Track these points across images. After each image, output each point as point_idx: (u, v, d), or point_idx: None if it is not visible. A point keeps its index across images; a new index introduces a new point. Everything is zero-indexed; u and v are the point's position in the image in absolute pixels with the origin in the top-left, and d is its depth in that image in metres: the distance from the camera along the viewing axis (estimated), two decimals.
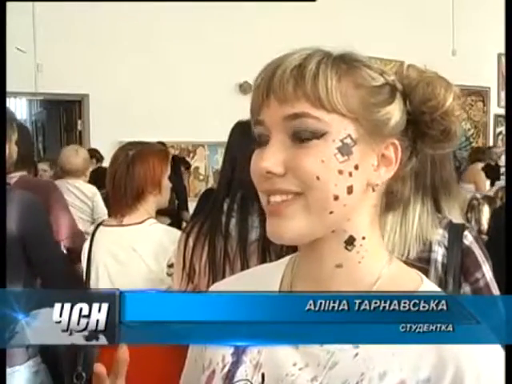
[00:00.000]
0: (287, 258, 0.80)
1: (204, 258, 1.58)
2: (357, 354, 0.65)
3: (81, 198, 3.45)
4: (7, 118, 1.99)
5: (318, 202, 0.64)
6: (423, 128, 0.68)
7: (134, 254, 1.93)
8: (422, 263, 1.23)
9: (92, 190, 3.56)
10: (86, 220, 3.42)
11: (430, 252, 1.25)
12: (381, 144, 0.66)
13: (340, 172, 0.64)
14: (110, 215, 2.06)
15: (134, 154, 1.98)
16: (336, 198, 0.64)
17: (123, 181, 1.96)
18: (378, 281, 0.68)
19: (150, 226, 1.97)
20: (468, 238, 1.26)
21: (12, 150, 1.99)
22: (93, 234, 2.04)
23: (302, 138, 0.64)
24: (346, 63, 0.65)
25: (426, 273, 1.23)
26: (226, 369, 0.73)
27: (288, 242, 0.68)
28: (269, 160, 0.64)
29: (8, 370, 1.78)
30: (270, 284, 0.76)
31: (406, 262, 1.15)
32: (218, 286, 0.85)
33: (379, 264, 0.70)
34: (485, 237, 2.89)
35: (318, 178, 0.63)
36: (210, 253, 1.57)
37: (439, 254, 1.25)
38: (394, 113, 0.66)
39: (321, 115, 0.63)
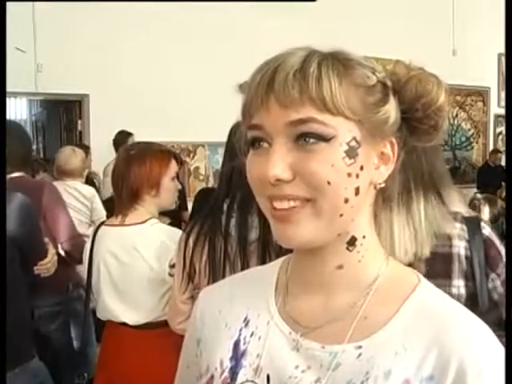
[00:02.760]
0: (280, 260, 0.79)
1: (204, 257, 1.58)
2: (360, 355, 0.65)
3: (80, 199, 3.39)
4: None
5: (330, 206, 0.63)
6: (415, 123, 0.69)
7: (135, 253, 1.92)
8: (440, 258, 1.24)
9: (91, 191, 3.50)
10: (85, 222, 3.35)
11: (450, 247, 1.25)
12: (380, 143, 0.67)
13: (349, 175, 0.63)
14: (114, 215, 2.05)
15: (133, 154, 1.97)
16: (346, 200, 0.64)
17: (120, 180, 1.95)
18: (376, 280, 0.69)
19: (151, 225, 1.96)
20: (487, 229, 1.28)
21: None
22: (94, 234, 2.03)
23: (307, 141, 0.62)
24: (341, 63, 0.64)
25: (448, 266, 1.25)
26: (225, 374, 0.72)
27: (298, 247, 0.68)
28: (277, 167, 0.62)
29: (7, 374, 1.78)
30: (266, 287, 0.76)
31: (420, 259, 1.19)
32: (210, 290, 0.84)
33: (378, 262, 0.70)
34: None
35: (329, 182, 0.62)
36: (210, 252, 1.57)
37: (461, 247, 1.25)
38: (391, 112, 0.67)
39: (326, 119, 0.62)
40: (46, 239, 2.04)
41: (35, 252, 1.97)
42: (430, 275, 1.25)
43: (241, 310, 0.76)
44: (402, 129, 0.69)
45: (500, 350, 0.64)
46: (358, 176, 0.64)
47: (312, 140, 0.62)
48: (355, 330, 0.66)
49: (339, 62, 0.64)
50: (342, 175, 0.63)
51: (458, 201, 1.33)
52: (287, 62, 0.63)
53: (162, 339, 1.89)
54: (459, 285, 1.26)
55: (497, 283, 1.26)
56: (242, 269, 1.46)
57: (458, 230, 1.26)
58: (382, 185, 0.68)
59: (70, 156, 3.48)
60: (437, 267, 1.24)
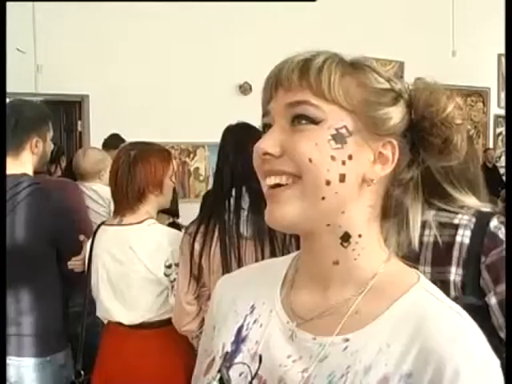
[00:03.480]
0: (293, 254, 0.82)
1: (213, 256, 1.60)
2: (346, 348, 0.67)
3: (98, 201, 3.36)
4: (43, 116, 2.05)
5: (311, 185, 0.66)
6: (423, 134, 0.70)
7: (131, 253, 1.93)
8: (444, 246, 1.31)
9: (109, 192, 3.47)
10: None
11: (455, 235, 1.33)
12: (378, 141, 0.69)
13: (332, 158, 0.66)
14: (113, 214, 2.06)
15: (136, 153, 1.97)
16: (328, 182, 0.66)
17: (125, 181, 1.96)
18: (374, 277, 0.70)
19: (148, 226, 1.97)
20: (494, 223, 1.33)
21: (48, 148, 2.05)
22: (94, 233, 2.04)
23: (300, 122, 0.67)
24: (353, 67, 0.69)
25: (450, 253, 1.31)
26: (223, 357, 0.75)
27: (284, 228, 0.71)
28: (267, 142, 0.68)
29: (34, 360, 1.91)
30: (275, 278, 0.79)
31: (427, 247, 1.27)
32: (229, 277, 0.89)
33: (376, 262, 0.71)
34: None
35: (310, 160, 0.66)
36: (221, 250, 1.59)
37: (465, 236, 1.32)
38: (394, 114, 0.68)
39: (320, 104, 0.67)
40: (82, 236, 2.10)
41: (69, 248, 2.04)
42: (433, 261, 1.31)
43: (249, 298, 0.79)
44: (407, 136, 0.70)
45: (483, 356, 0.64)
46: (344, 163, 0.67)
47: (304, 121, 0.67)
48: (345, 324, 0.68)
49: (351, 65, 0.69)
50: (324, 156, 0.66)
51: (473, 198, 1.38)
52: (297, 56, 0.69)
53: (157, 339, 1.90)
54: (456, 272, 1.31)
55: (482, 267, 1.31)
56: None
57: (466, 221, 1.34)
58: (374, 181, 0.69)
59: (79, 158, 3.47)
60: (440, 254, 1.32)
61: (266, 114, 0.71)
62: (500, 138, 8.82)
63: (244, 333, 0.76)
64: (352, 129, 0.67)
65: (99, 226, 2.07)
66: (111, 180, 2.02)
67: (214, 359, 0.77)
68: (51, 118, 2.14)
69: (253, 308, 0.78)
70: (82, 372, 2.00)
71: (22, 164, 1.94)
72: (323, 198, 0.66)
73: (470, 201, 1.36)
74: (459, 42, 7.20)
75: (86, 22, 5.44)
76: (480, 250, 1.30)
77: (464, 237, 1.32)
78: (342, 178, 0.67)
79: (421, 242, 1.20)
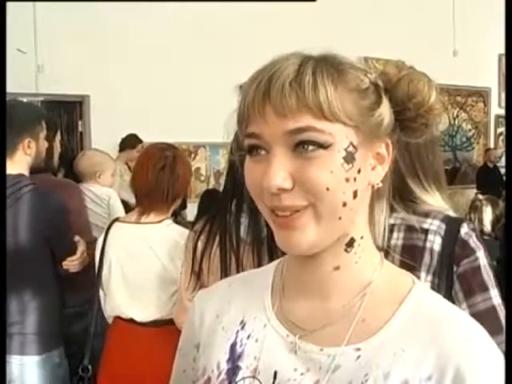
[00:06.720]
0: (275, 262, 0.80)
1: (213, 256, 1.60)
2: (359, 357, 0.66)
3: (96, 201, 3.34)
4: (35, 116, 2.08)
5: (329, 210, 0.64)
6: (407, 122, 0.69)
7: (149, 252, 1.96)
8: (412, 251, 1.25)
9: (107, 194, 3.43)
10: (100, 226, 3.30)
11: (425, 241, 1.26)
12: (376, 143, 0.67)
13: (347, 180, 0.64)
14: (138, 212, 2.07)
15: (175, 155, 2.00)
16: (344, 204, 0.64)
17: (166, 181, 1.98)
18: (372, 282, 0.69)
19: (167, 226, 2.01)
20: (464, 229, 1.27)
21: (42, 147, 2.07)
22: (108, 229, 2.06)
23: (306, 148, 0.62)
24: (335, 68, 0.64)
25: (419, 260, 1.25)
26: (222, 375, 0.72)
27: (301, 253, 0.68)
28: (277, 176, 0.62)
29: (26, 358, 1.93)
30: (261, 290, 0.77)
31: (395, 250, 1.21)
32: (207, 293, 0.84)
33: (373, 264, 0.71)
34: (487, 237, 2.90)
35: (327, 188, 0.63)
36: (221, 253, 1.59)
37: (436, 243, 1.26)
38: (386, 113, 0.67)
39: (325, 127, 0.62)
40: (77, 237, 2.11)
41: (63, 248, 2.06)
42: (401, 266, 1.28)
43: (237, 313, 0.76)
44: (395, 129, 0.69)
45: (496, 352, 0.65)
46: (355, 180, 0.65)
47: (311, 147, 0.62)
48: (353, 333, 0.67)
49: (333, 67, 0.64)
50: (340, 181, 0.63)
51: (437, 195, 1.34)
52: (282, 70, 0.63)
53: (166, 337, 1.91)
54: (426, 279, 1.25)
55: (455, 277, 1.25)
56: (254, 267, 1.48)
57: (435, 227, 1.27)
58: (380, 184, 0.68)
59: (78, 159, 3.49)
60: (409, 259, 1.20)
61: (251, 136, 0.65)
62: (501, 138, 8.82)
63: (239, 349, 0.73)
64: (356, 143, 0.64)
65: (113, 222, 2.08)
66: (147, 178, 1.98)
67: (209, 379, 0.73)
68: (44, 117, 2.15)
69: (243, 323, 0.75)
70: (90, 367, 2.02)
71: (17, 164, 1.97)
72: (340, 218, 0.65)
73: (434, 202, 1.31)
74: (460, 42, 7.21)
75: (86, 22, 5.44)
76: (452, 258, 1.25)
77: (435, 243, 1.25)
78: (355, 195, 0.65)
79: (388, 246, 1.15)
